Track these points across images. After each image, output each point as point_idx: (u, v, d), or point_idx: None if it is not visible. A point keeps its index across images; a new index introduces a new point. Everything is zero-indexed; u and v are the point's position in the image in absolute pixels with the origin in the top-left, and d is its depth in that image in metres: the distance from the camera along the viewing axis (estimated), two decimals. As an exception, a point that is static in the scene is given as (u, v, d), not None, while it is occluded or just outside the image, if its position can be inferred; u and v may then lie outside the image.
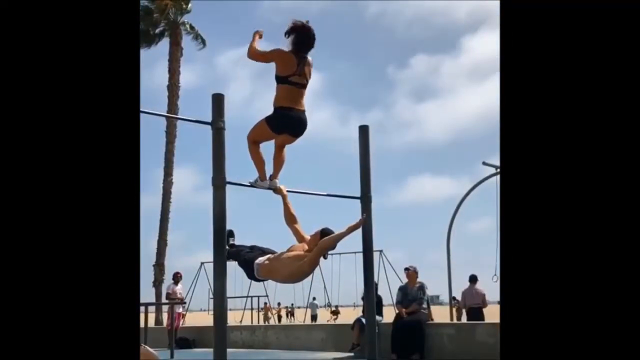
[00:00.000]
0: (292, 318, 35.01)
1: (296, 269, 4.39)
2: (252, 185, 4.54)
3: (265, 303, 26.23)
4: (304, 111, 4.45)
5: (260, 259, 4.50)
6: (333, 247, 4.43)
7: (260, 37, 4.48)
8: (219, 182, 3.97)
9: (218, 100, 4.07)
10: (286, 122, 4.39)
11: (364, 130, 4.96)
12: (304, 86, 4.42)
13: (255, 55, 4.42)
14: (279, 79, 4.35)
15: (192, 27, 23.79)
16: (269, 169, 4.59)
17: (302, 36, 4.34)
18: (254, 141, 4.52)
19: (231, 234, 4.74)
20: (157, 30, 23.42)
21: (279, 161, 4.64)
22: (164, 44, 23.43)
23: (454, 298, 13.78)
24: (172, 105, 22.27)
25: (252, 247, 4.72)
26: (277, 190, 4.62)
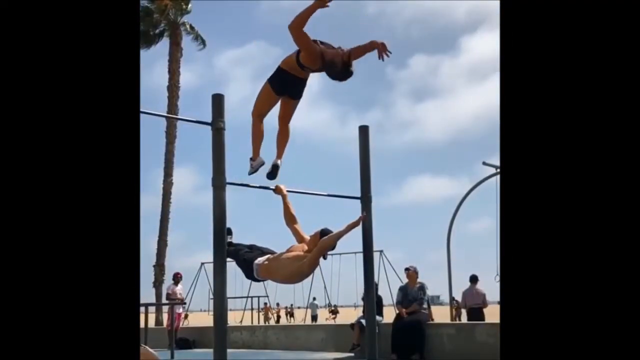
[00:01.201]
0: (292, 319, 34.94)
1: (296, 270, 4.38)
2: (251, 173, 4.48)
3: (266, 303, 26.23)
4: (305, 79, 4.36)
5: (260, 260, 4.49)
6: (333, 247, 4.42)
7: (323, 6, 3.86)
8: (219, 183, 3.96)
9: (218, 101, 4.07)
10: (286, 83, 4.31)
11: (363, 131, 4.95)
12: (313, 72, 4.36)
13: (298, 31, 3.96)
14: (297, 58, 4.20)
15: (192, 28, 23.80)
16: (271, 151, 4.55)
17: (339, 72, 4.14)
18: (259, 114, 4.45)
19: (229, 231, 4.72)
20: (157, 31, 23.42)
21: (283, 136, 4.55)
22: (164, 44, 23.47)
23: (453, 298, 13.77)
24: (172, 106, 22.27)
25: (251, 247, 4.71)
26: (277, 190, 4.61)
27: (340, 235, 4.35)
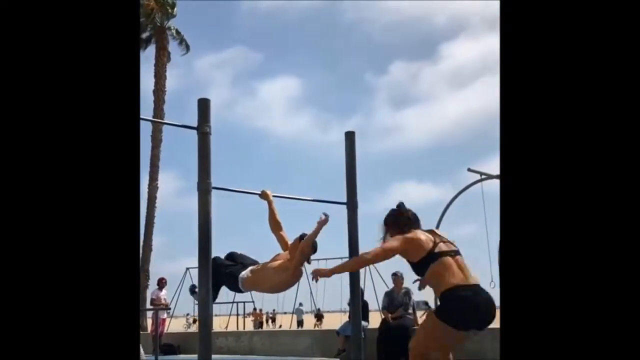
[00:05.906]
0: (273, 324, 34.54)
1: (281, 280, 4.38)
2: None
3: (254, 308, 26.08)
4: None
5: (244, 273, 4.46)
6: (314, 249, 4.40)
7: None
8: (205, 187, 3.95)
9: (204, 105, 4.06)
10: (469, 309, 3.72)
11: (349, 136, 4.97)
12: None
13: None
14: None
15: (177, 32, 23.70)
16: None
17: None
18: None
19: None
20: (144, 36, 23.30)
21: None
22: (149, 48, 23.32)
23: (426, 303, 13.56)
24: (158, 110, 22.13)
25: (231, 255, 4.66)
26: (263, 195, 4.60)
27: (314, 235, 4.34)
